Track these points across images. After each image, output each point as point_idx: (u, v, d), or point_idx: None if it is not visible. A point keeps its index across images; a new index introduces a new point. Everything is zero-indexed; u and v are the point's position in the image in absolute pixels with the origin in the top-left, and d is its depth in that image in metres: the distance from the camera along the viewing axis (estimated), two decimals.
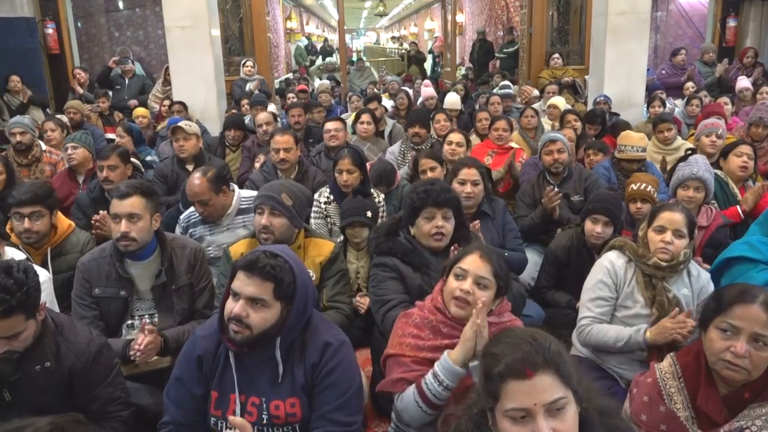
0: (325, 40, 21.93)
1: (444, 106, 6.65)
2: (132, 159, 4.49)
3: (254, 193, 3.42)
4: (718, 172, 3.72)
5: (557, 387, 1.27)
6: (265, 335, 1.79)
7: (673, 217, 2.45)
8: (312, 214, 3.65)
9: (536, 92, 7.68)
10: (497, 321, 2.05)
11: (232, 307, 1.78)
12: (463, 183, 3.18)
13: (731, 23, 9.06)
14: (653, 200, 3.41)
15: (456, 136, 4.32)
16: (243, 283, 1.78)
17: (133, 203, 2.48)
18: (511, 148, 5.06)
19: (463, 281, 2.01)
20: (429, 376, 1.91)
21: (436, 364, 1.92)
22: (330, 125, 4.77)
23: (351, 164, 3.55)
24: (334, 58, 17.32)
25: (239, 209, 3.36)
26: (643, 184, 3.43)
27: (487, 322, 1.90)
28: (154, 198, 2.59)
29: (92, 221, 3.28)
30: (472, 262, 2.02)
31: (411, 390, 1.95)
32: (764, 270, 2.67)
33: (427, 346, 2.03)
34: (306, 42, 19.52)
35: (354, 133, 5.47)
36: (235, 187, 3.45)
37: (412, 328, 2.08)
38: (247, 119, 6.08)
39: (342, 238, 3.33)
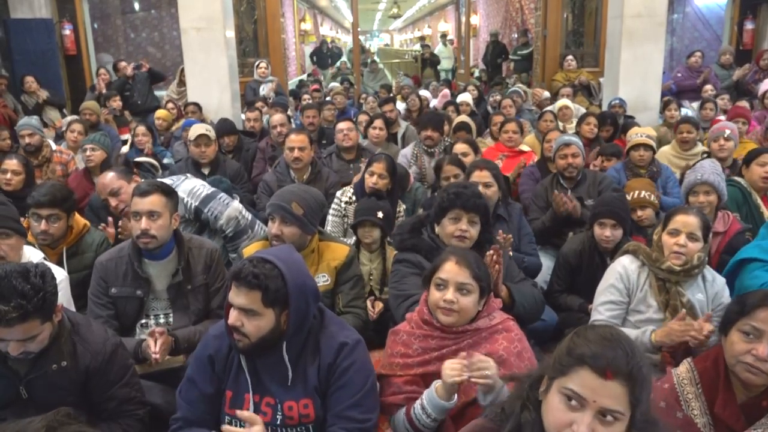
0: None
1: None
2: (147, 158, 4.54)
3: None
4: (741, 180, 3.65)
5: (622, 401, 1.24)
6: (264, 341, 1.81)
7: (686, 220, 2.45)
8: (330, 212, 3.65)
9: (547, 94, 7.64)
10: (488, 325, 2.04)
11: (229, 316, 1.81)
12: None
13: (749, 26, 8.96)
14: (652, 204, 3.38)
15: (460, 147, 4.24)
16: (234, 294, 1.80)
17: (153, 201, 2.49)
18: (522, 152, 5.03)
19: (444, 291, 2.00)
20: (417, 407, 1.91)
21: (424, 394, 1.91)
22: (342, 125, 4.77)
23: (384, 169, 3.54)
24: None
25: None
26: (638, 192, 3.41)
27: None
28: (173, 197, 2.60)
29: (118, 233, 3.25)
30: (450, 270, 2.01)
31: (401, 415, 1.96)
32: None
33: (417, 362, 2.03)
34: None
35: (365, 137, 5.47)
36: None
37: (400, 347, 2.07)
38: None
39: (354, 239, 3.33)
